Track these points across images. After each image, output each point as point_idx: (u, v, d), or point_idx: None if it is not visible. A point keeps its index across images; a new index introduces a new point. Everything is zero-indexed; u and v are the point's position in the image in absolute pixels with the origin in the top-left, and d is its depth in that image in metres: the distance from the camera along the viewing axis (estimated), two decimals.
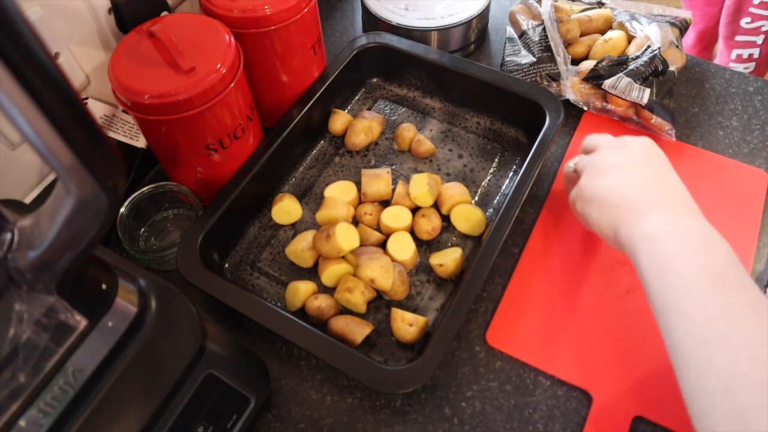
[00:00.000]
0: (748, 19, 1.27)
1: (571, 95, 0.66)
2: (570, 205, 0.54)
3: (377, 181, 0.60)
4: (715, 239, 0.43)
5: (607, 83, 0.63)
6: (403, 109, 0.70)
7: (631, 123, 0.66)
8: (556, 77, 0.67)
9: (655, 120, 0.64)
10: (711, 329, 0.38)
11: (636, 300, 0.55)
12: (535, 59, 0.68)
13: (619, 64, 0.64)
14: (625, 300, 0.55)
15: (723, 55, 1.39)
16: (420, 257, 0.57)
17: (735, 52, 1.35)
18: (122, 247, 0.55)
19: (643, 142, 0.51)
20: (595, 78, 0.65)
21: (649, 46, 0.65)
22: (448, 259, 0.54)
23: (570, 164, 0.55)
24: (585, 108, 0.67)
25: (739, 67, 1.35)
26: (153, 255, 0.55)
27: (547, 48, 0.67)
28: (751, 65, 1.36)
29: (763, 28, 1.27)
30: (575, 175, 0.54)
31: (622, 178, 0.48)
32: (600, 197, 0.49)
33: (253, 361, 0.47)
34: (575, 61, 0.69)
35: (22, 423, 0.31)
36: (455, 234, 0.59)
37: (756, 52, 1.33)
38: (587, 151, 0.55)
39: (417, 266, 0.57)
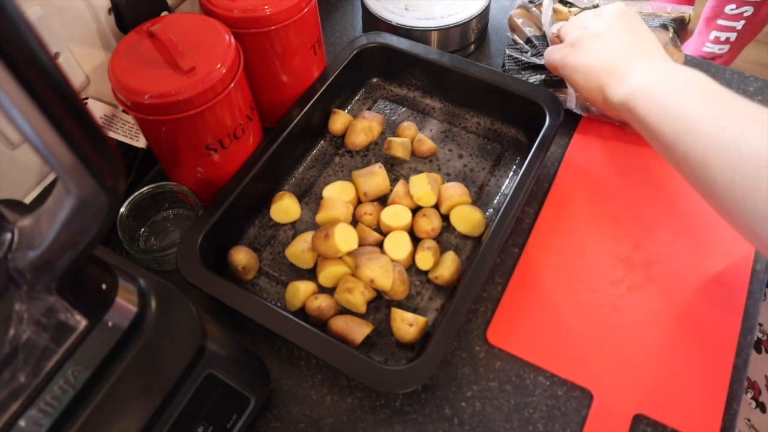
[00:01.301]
0: (733, 6, 1.30)
1: (571, 103, 0.66)
2: (555, 67, 0.58)
3: (373, 177, 0.60)
4: (698, 73, 0.46)
5: None
6: (403, 109, 0.70)
7: (631, 128, 0.66)
8: (556, 84, 0.66)
9: None
10: (730, 128, 0.41)
11: (637, 298, 0.55)
12: (537, 65, 0.68)
13: None
14: (626, 298, 0.55)
15: (701, 35, 1.42)
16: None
17: (714, 34, 1.38)
18: (122, 247, 0.55)
19: (617, 7, 0.54)
20: None
21: None
22: (442, 269, 0.54)
23: (553, 29, 0.60)
24: (583, 114, 0.67)
25: (714, 48, 1.39)
26: (153, 255, 0.55)
27: None
28: (726, 47, 1.39)
29: (746, 14, 1.30)
30: (558, 40, 0.59)
31: (601, 44, 0.52)
32: (583, 66, 0.53)
33: (253, 361, 0.47)
34: None
35: (22, 423, 0.31)
36: (455, 234, 0.59)
37: (733, 36, 1.36)
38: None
39: (413, 266, 0.57)
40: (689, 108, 0.43)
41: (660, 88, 0.46)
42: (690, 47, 1.47)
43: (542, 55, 0.68)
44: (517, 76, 0.68)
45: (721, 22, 1.34)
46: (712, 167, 0.41)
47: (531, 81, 0.67)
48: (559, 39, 0.59)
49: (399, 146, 0.63)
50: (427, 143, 0.64)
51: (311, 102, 0.63)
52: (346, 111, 0.69)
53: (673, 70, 0.47)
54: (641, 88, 0.47)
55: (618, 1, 0.56)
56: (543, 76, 0.67)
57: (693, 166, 0.43)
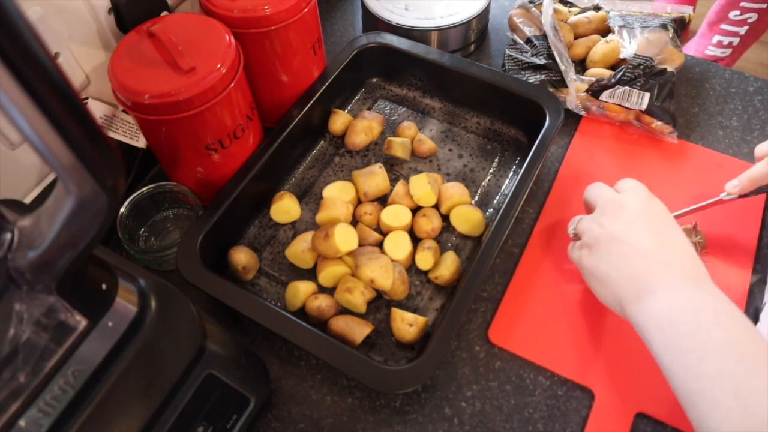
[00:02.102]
0: (737, 12, 1.30)
1: (571, 104, 0.66)
2: (572, 261, 0.52)
3: (373, 177, 0.60)
4: (725, 308, 0.41)
5: (604, 93, 0.64)
6: (403, 109, 0.70)
7: (631, 128, 0.66)
8: (556, 84, 0.66)
9: (656, 124, 0.64)
10: (750, 415, 0.36)
11: None
12: (536, 65, 0.68)
13: (617, 74, 0.64)
14: None
15: (704, 38, 1.42)
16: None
17: (716, 38, 1.39)
18: (122, 247, 0.55)
19: (640, 199, 0.48)
20: (596, 92, 0.65)
21: (638, 60, 0.65)
22: (442, 269, 0.54)
23: (570, 227, 0.54)
24: (584, 114, 0.67)
25: (717, 52, 1.40)
26: (153, 255, 0.55)
27: (549, 56, 0.67)
28: (728, 51, 1.39)
29: (750, 20, 1.30)
30: (576, 238, 0.52)
31: (618, 249, 0.46)
32: (599, 273, 0.47)
33: (253, 361, 0.47)
34: (575, 63, 0.69)
35: (22, 423, 0.31)
36: (455, 234, 0.59)
37: (736, 40, 1.37)
38: (588, 206, 0.54)
39: (413, 266, 0.57)
40: (709, 369, 0.38)
41: (679, 327, 0.41)
42: (691, 48, 1.47)
43: (542, 55, 0.68)
44: (517, 75, 0.68)
45: (724, 26, 1.35)
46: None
47: (531, 81, 0.67)
48: (576, 236, 0.52)
49: (399, 146, 0.63)
50: (427, 143, 0.64)
51: (311, 102, 0.63)
52: (346, 111, 0.69)
53: (697, 300, 0.42)
54: (659, 316, 0.42)
55: (640, 190, 0.49)
56: (543, 76, 0.67)
57: (699, 419, 0.39)
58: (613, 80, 0.64)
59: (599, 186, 0.53)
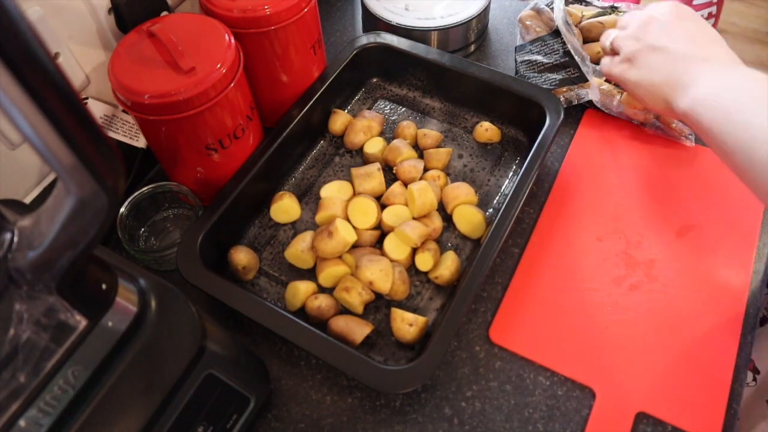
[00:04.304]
0: None
1: (594, 96, 0.65)
2: (609, 75, 0.58)
3: (370, 180, 0.60)
4: (760, 75, 0.45)
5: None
6: (403, 109, 0.70)
7: (650, 127, 0.66)
8: (575, 81, 0.66)
9: (676, 124, 0.64)
10: None
11: (638, 296, 0.55)
12: (552, 65, 0.67)
13: None
14: (628, 296, 0.55)
15: None
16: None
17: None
18: (122, 247, 0.55)
19: (669, 8, 0.53)
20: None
21: None
22: (442, 269, 0.54)
23: (605, 42, 0.59)
24: (605, 110, 0.66)
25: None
26: (153, 255, 0.55)
27: (566, 53, 0.67)
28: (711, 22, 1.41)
29: None
30: (612, 53, 0.58)
31: (659, 56, 0.51)
32: (645, 81, 0.52)
33: (253, 361, 0.47)
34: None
35: (22, 423, 0.31)
36: (455, 234, 0.59)
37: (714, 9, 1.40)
38: (613, 45, 0.58)
39: (413, 266, 0.57)
40: (755, 117, 0.43)
41: (723, 98, 0.45)
42: None
43: (557, 53, 0.67)
44: (534, 79, 0.67)
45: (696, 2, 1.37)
46: None
47: (551, 81, 0.67)
48: (612, 51, 0.58)
49: (407, 169, 0.61)
50: (431, 135, 0.64)
51: (311, 102, 0.63)
52: (346, 111, 0.69)
53: (736, 75, 0.46)
54: (704, 98, 0.47)
55: (667, 3, 0.54)
56: (561, 75, 0.67)
57: (761, 171, 0.42)
58: None
59: (629, 13, 0.58)
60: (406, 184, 0.60)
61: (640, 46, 0.53)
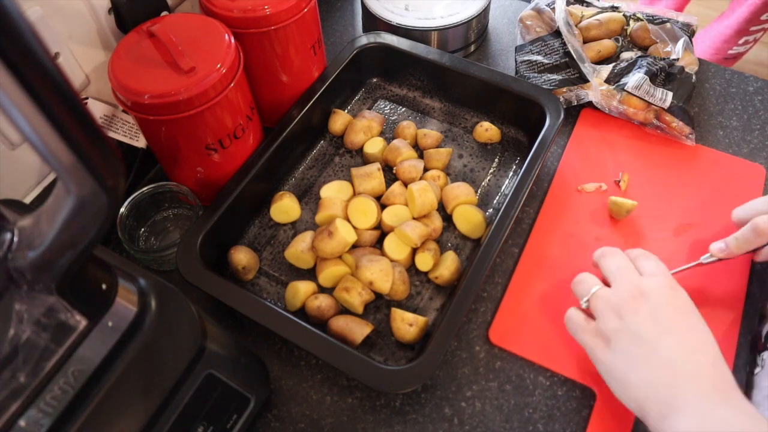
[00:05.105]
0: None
1: (595, 97, 0.65)
2: (575, 336, 0.49)
3: (370, 180, 0.60)
4: (756, 428, 0.38)
5: (630, 85, 0.63)
6: (403, 109, 0.70)
7: (650, 127, 0.66)
8: (575, 81, 0.66)
9: (676, 124, 0.64)
10: None
11: None
12: (552, 65, 0.67)
13: (638, 60, 0.64)
14: None
15: (728, 42, 1.44)
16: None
17: (744, 38, 1.42)
18: (122, 247, 0.55)
19: (663, 289, 0.45)
20: (617, 76, 0.64)
21: (666, 58, 0.66)
22: (442, 269, 0.54)
23: (581, 297, 0.50)
24: (606, 111, 0.66)
25: (740, 49, 1.44)
26: (153, 255, 0.55)
27: (566, 54, 0.67)
28: (751, 45, 1.43)
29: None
30: (587, 314, 0.49)
31: (641, 351, 0.43)
32: (620, 376, 0.44)
33: (253, 361, 0.47)
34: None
35: (22, 423, 0.31)
36: (455, 234, 0.59)
37: (759, 35, 1.41)
38: (599, 268, 0.50)
39: (413, 266, 0.57)
40: None
41: None
42: (706, 53, 1.48)
43: (557, 53, 0.67)
44: (534, 79, 0.67)
45: (754, 28, 1.37)
46: None
47: (551, 81, 0.67)
48: (588, 313, 0.49)
49: (407, 169, 0.61)
50: (431, 135, 0.64)
51: (311, 102, 0.63)
52: (346, 111, 0.69)
53: (722, 420, 0.39)
54: None
55: (663, 276, 0.46)
56: (561, 76, 0.67)
57: None
58: (627, 63, 0.64)
59: (616, 255, 0.49)
60: (406, 184, 0.60)
61: (620, 326, 0.44)
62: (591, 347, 0.47)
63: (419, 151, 0.65)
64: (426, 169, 0.62)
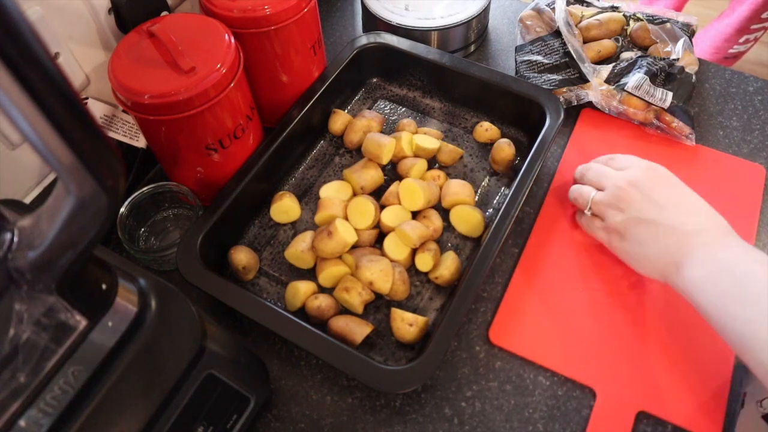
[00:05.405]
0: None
1: (595, 97, 0.65)
2: (593, 235, 0.56)
3: (366, 172, 0.60)
4: (755, 257, 0.45)
5: (630, 85, 0.63)
6: (403, 109, 0.70)
7: (650, 127, 0.66)
8: (575, 82, 0.66)
9: (676, 124, 0.64)
10: None
11: (638, 295, 0.55)
12: (552, 66, 0.67)
13: (638, 60, 0.64)
14: (628, 296, 0.55)
15: (729, 41, 1.44)
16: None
17: (744, 37, 1.42)
18: (122, 247, 0.55)
19: (645, 173, 0.52)
20: (617, 76, 0.64)
21: (666, 58, 0.66)
22: (442, 269, 0.54)
23: (584, 205, 0.56)
24: (606, 111, 0.66)
25: (741, 48, 1.44)
26: (153, 255, 0.55)
27: (566, 54, 0.67)
28: (751, 44, 1.43)
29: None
30: (593, 216, 0.56)
31: (647, 230, 0.50)
32: (637, 254, 0.51)
33: (253, 361, 0.47)
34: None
35: (22, 423, 0.31)
36: (455, 234, 0.59)
37: (761, 34, 1.41)
38: (586, 182, 0.57)
39: (413, 266, 0.57)
40: (753, 312, 0.42)
41: (719, 284, 0.45)
42: (707, 52, 1.48)
43: (557, 53, 0.67)
44: (534, 79, 0.67)
45: (755, 26, 1.37)
46: None
47: (551, 81, 0.67)
48: (594, 214, 0.56)
49: (407, 168, 0.61)
50: (431, 133, 0.64)
51: (311, 102, 0.63)
52: (346, 111, 0.69)
53: (730, 257, 0.46)
54: (699, 281, 0.46)
55: (640, 163, 0.54)
56: (561, 76, 0.67)
57: (751, 352, 0.42)
58: (627, 63, 0.64)
59: (592, 166, 0.57)
60: None
61: (625, 218, 0.51)
62: (608, 241, 0.54)
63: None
64: (431, 163, 0.62)
